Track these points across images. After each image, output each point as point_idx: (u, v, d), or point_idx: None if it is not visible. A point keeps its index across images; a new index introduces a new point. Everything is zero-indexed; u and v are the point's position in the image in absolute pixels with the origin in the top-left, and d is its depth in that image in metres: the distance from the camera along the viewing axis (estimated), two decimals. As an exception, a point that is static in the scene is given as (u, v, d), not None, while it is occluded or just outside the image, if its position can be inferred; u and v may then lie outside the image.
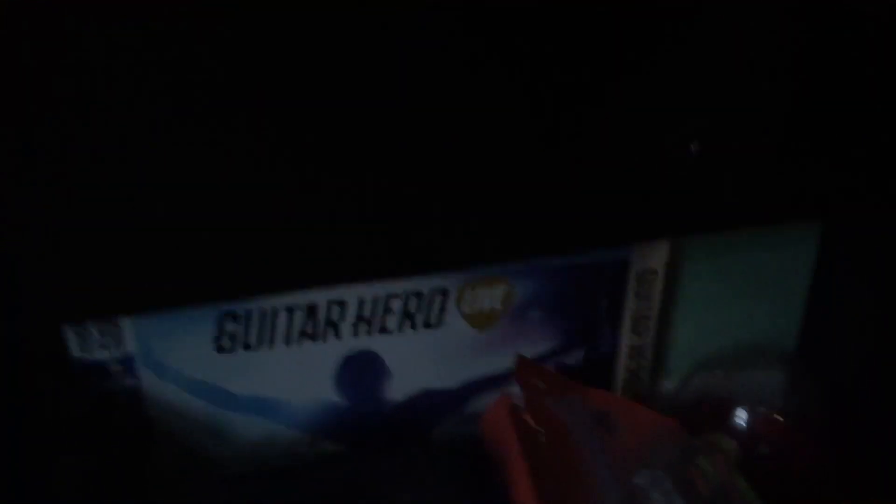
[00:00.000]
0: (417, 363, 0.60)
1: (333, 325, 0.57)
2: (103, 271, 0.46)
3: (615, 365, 0.65)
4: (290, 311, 0.56)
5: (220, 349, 0.55)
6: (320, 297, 0.56)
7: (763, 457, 0.60)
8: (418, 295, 0.58)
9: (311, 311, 0.56)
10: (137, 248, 0.46)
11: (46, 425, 0.54)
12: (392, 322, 0.58)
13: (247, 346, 0.56)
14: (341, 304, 0.57)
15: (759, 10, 0.48)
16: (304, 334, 0.57)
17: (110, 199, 0.44)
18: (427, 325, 0.59)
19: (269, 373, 0.57)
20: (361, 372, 0.59)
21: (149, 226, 0.45)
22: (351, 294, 0.56)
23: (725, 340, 0.66)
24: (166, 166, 0.44)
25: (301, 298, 0.55)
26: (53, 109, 0.41)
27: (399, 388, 0.60)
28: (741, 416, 0.62)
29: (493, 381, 0.62)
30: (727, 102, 0.50)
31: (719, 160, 0.51)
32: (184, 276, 0.48)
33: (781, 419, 0.61)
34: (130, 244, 0.46)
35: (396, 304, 0.58)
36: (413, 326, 0.59)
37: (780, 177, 0.55)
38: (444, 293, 0.58)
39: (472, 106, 0.48)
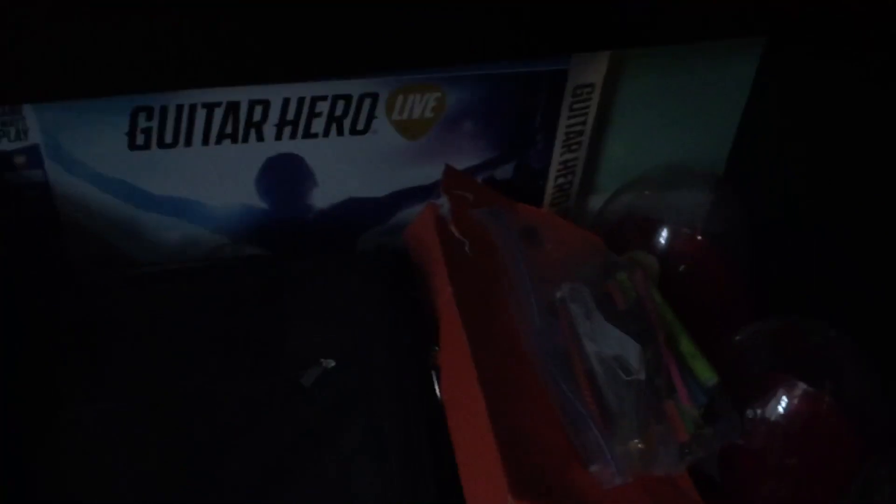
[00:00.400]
0: (344, 170, 0.58)
1: (256, 127, 0.55)
2: (2, 50, 0.42)
3: (545, 180, 0.65)
4: (209, 108, 0.53)
5: (134, 146, 0.52)
6: (242, 94, 0.53)
7: (681, 274, 0.62)
8: (346, 98, 0.55)
9: (232, 109, 0.53)
10: (41, 25, 0.42)
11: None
12: (318, 126, 0.56)
13: (162, 144, 0.53)
14: (264, 103, 0.54)
15: None
16: (224, 134, 0.54)
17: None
18: (355, 131, 0.57)
19: (187, 173, 0.55)
20: (285, 176, 0.57)
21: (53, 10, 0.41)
22: (275, 93, 0.53)
23: (656, 160, 0.66)
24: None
25: (221, 95, 0.52)
26: None
27: (324, 195, 0.59)
28: (663, 235, 0.63)
29: (420, 192, 0.61)
30: None
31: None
32: (92, 62, 0.44)
33: (701, 238, 0.62)
34: (34, 20, 0.41)
35: (323, 108, 0.55)
36: (340, 132, 0.56)
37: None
38: (374, 98, 0.56)
39: None
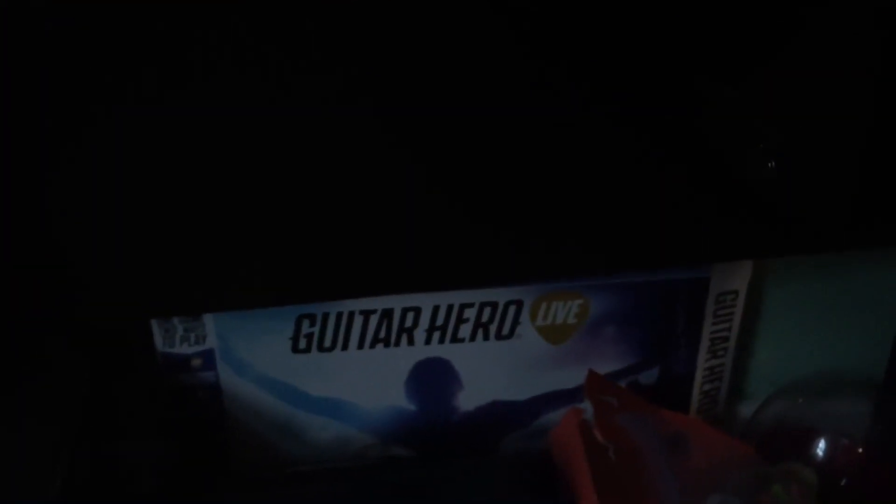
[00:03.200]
0: (489, 373, 0.60)
1: (407, 332, 0.58)
2: (190, 270, 0.48)
3: (691, 386, 0.64)
4: (365, 315, 0.57)
5: (297, 349, 0.57)
6: (396, 302, 0.57)
7: (843, 489, 0.58)
8: (492, 305, 0.58)
9: (386, 316, 0.57)
10: (222, 249, 0.48)
11: (129, 412, 0.57)
12: (465, 331, 0.59)
13: (322, 348, 0.57)
14: (416, 310, 0.57)
15: (839, 26, 0.47)
16: (378, 339, 0.58)
17: (198, 205, 0.46)
18: (500, 336, 0.59)
19: (342, 375, 0.58)
20: (432, 379, 0.60)
21: (234, 228, 0.47)
22: (425, 301, 0.57)
23: (808, 366, 0.65)
24: (250, 173, 0.46)
25: (377, 303, 0.56)
26: (145, 124, 0.43)
27: (470, 397, 0.61)
28: (821, 446, 0.60)
29: (564, 396, 0.61)
30: (812, 121, 0.49)
31: (803, 180, 0.50)
32: (265, 278, 0.50)
33: (863, 451, 0.59)
34: (216, 246, 0.48)
35: (470, 314, 0.58)
36: (486, 337, 0.59)
37: (869, 199, 0.53)
38: (519, 305, 0.58)
39: (555, 121, 0.48)
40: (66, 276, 0.46)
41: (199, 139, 0.45)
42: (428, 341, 0.58)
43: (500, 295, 0.58)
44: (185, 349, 0.55)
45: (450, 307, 0.58)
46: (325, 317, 0.56)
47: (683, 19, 0.46)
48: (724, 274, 0.61)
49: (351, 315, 0.56)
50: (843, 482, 0.59)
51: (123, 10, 0.41)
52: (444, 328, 0.58)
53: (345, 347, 0.57)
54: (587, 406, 0.57)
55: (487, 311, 0.58)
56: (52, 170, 0.44)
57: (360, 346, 0.58)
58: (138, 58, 0.42)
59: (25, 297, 0.47)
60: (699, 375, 0.64)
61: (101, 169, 0.45)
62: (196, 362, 0.56)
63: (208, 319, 0.55)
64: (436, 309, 0.57)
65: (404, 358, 0.59)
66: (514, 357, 0.60)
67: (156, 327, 0.54)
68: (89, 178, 0.45)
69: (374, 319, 0.57)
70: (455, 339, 0.59)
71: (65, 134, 0.43)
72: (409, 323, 0.58)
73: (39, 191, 0.45)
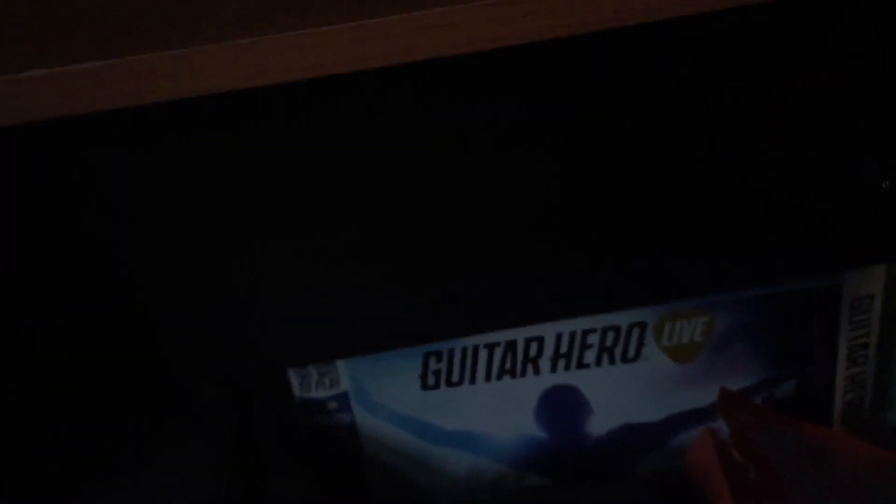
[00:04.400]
0: (618, 397, 0.60)
1: (532, 361, 0.59)
2: (322, 321, 0.51)
3: (832, 396, 0.62)
4: (490, 348, 0.58)
5: (426, 386, 0.58)
6: (519, 333, 0.57)
7: None
8: (616, 329, 0.58)
9: (511, 347, 0.58)
10: (351, 299, 0.50)
11: (272, 456, 0.60)
12: (590, 356, 0.59)
13: (450, 383, 0.58)
14: (539, 340, 0.58)
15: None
16: (504, 370, 0.59)
17: (327, 261, 0.49)
18: (625, 359, 0.59)
19: (472, 408, 0.59)
20: (561, 406, 0.60)
21: (359, 280, 0.49)
22: (548, 330, 0.58)
23: (958, 369, 0.61)
24: (373, 234, 0.48)
25: (500, 336, 0.57)
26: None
27: (600, 422, 0.61)
28: (979, 454, 0.56)
29: (697, 415, 0.60)
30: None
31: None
32: (392, 322, 0.52)
33: None
34: (345, 296, 0.50)
35: (594, 339, 0.58)
36: (612, 361, 0.59)
37: None
38: (643, 327, 0.58)
39: (679, 139, 0.48)
40: (214, 331, 0.50)
41: (331, 192, 0.47)
42: (553, 369, 0.59)
43: (623, 318, 0.58)
44: (320, 393, 0.58)
45: (573, 334, 0.58)
46: (451, 352, 0.57)
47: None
48: (858, 279, 0.58)
49: (476, 349, 0.58)
50: None
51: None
52: (568, 355, 0.59)
53: (472, 381, 0.59)
54: (722, 425, 0.56)
55: (611, 335, 0.58)
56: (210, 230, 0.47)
57: (488, 378, 0.59)
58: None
59: (182, 351, 0.51)
60: (839, 385, 0.62)
61: (251, 236, 0.48)
62: (332, 405, 0.58)
63: (340, 364, 0.57)
64: (559, 336, 0.58)
65: (532, 387, 0.59)
66: (641, 379, 0.60)
67: (292, 375, 0.57)
68: (241, 249, 0.48)
69: (498, 351, 0.58)
70: (581, 366, 0.59)
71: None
72: (533, 352, 0.58)
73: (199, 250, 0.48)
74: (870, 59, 0.46)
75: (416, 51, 0.30)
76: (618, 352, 0.59)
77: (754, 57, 0.46)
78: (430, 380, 0.58)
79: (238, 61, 0.30)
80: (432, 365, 0.58)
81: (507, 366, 0.58)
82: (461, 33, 0.31)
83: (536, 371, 0.59)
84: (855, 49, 0.46)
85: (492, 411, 0.60)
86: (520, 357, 0.58)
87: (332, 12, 0.31)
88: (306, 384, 0.57)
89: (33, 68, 0.28)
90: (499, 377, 0.59)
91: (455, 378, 0.58)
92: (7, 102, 0.28)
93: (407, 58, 0.30)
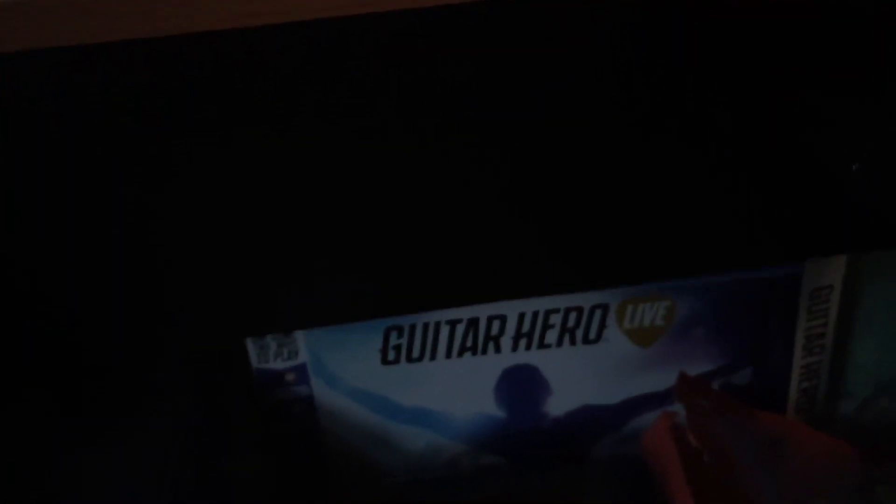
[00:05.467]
0: (577, 378, 0.60)
1: (494, 339, 0.58)
2: (281, 290, 0.50)
3: (787, 385, 0.62)
4: (452, 324, 0.57)
5: (386, 361, 0.58)
6: (481, 311, 0.57)
7: (954, 489, 0.56)
8: (578, 310, 0.58)
9: (473, 325, 0.57)
10: (311, 268, 0.49)
11: (230, 429, 0.59)
12: (552, 337, 0.58)
13: (410, 359, 0.58)
14: (502, 318, 0.58)
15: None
16: (465, 348, 0.58)
17: (286, 226, 0.48)
18: (587, 340, 0.59)
19: (431, 384, 0.59)
20: (521, 386, 0.60)
21: (320, 248, 0.48)
22: (511, 308, 0.57)
23: (911, 362, 0.62)
24: (333, 196, 0.47)
25: (462, 313, 0.57)
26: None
27: (559, 403, 0.61)
28: (929, 444, 0.58)
29: (655, 399, 0.61)
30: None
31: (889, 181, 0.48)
32: (352, 293, 0.51)
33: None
34: (305, 265, 0.49)
35: (556, 320, 0.58)
36: (573, 342, 0.59)
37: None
38: (605, 309, 0.58)
39: (638, 118, 0.48)
40: (168, 301, 0.48)
41: (288, 163, 0.46)
42: (515, 348, 0.59)
43: (586, 299, 0.58)
44: (278, 364, 0.57)
45: (535, 314, 0.58)
46: (413, 328, 0.57)
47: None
48: (818, 269, 0.59)
49: (437, 325, 0.57)
50: (954, 482, 0.56)
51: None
52: (530, 335, 0.58)
53: (433, 357, 0.58)
54: (679, 409, 0.57)
55: (573, 316, 0.58)
56: (152, 194, 0.46)
57: (448, 355, 0.58)
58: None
59: (133, 321, 0.49)
60: (795, 374, 0.62)
61: (199, 201, 0.46)
62: (290, 377, 0.57)
63: (299, 335, 0.56)
64: (521, 316, 0.58)
65: (492, 365, 0.59)
66: (602, 361, 0.60)
67: (250, 345, 0.56)
68: (188, 209, 0.47)
69: (460, 329, 0.57)
70: (542, 346, 0.59)
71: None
72: (495, 331, 0.58)
73: (144, 221, 0.47)
74: (835, 38, 0.46)
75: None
76: (579, 333, 0.59)
77: (716, 40, 0.46)
78: (391, 355, 0.58)
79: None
80: (393, 340, 0.57)
81: (469, 343, 0.58)
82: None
83: (497, 349, 0.58)
84: (818, 28, 0.46)
85: (451, 389, 0.59)
86: (481, 335, 0.58)
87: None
88: (264, 355, 0.56)
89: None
90: (460, 354, 0.58)
91: (416, 354, 0.58)
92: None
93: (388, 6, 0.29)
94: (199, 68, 0.41)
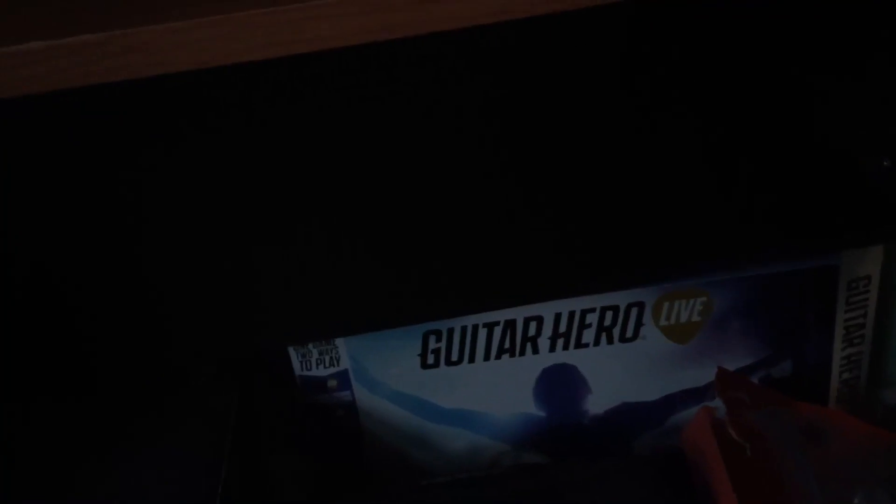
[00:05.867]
0: (616, 376, 0.60)
1: (531, 340, 0.59)
2: (322, 299, 0.51)
3: (828, 376, 0.62)
4: (489, 327, 0.58)
5: (425, 365, 0.59)
6: (518, 313, 0.58)
7: None
8: (614, 309, 0.58)
9: (510, 326, 0.58)
10: (351, 277, 0.50)
11: (273, 434, 0.60)
12: (589, 336, 0.59)
13: (449, 362, 0.59)
14: (538, 319, 0.58)
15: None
16: (503, 349, 0.59)
17: (325, 238, 0.49)
18: (624, 338, 0.59)
19: (471, 386, 0.60)
20: (559, 385, 0.60)
21: (360, 258, 0.50)
22: (547, 309, 0.58)
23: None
24: (371, 209, 0.48)
25: (499, 315, 0.58)
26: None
27: (598, 400, 0.61)
28: (973, 432, 0.57)
29: (694, 394, 0.61)
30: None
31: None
32: (392, 301, 0.52)
33: None
34: (345, 274, 0.50)
35: (592, 319, 0.58)
36: (610, 340, 0.59)
37: None
38: (641, 306, 0.58)
39: (669, 125, 0.48)
40: (214, 310, 0.50)
41: (332, 173, 0.47)
42: (552, 349, 0.59)
43: (621, 298, 0.58)
44: (321, 371, 0.58)
45: (571, 314, 0.58)
46: (451, 332, 0.58)
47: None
48: (855, 260, 0.59)
49: (475, 328, 0.58)
50: None
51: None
52: (567, 335, 0.59)
53: (471, 360, 0.59)
54: (719, 404, 0.57)
55: (609, 314, 0.58)
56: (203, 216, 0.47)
57: (487, 357, 0.59)
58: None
59: (181, 329, 0.51)
60: (836, 365, 0.62)
61: (242, 214, 0.48)
62: (332, 383, 0.59)
63: (341, 342, 0.57)
64: (558, 316, 0.58)
65: (530, 366, 0.60)
66: (640, 358, 0.60)
67: (293, 353, 0.57)
68: (233, 222, 0.48)
69: (497, 331, 0.58)
70: (579, 345, 0.59)
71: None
72: (532, 332, 0.59)
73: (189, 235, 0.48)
74: (866, 40, 0.46)
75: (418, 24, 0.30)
76: (616, 331, 0.59)
77: (747, 39, 0.46)
78: (430, 358, 0.59)
79: (240, 34, 0.30)
80: (432, 344, 0.58)
81: (506, 345, 0.59)
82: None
83: (535, 350, 0.59)
84: (851, 31, 0.46)
85: (490, 390, 0.60)
86: (519, 336, 0.59)
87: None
88: (307, 362, 0.58)
89: (34, 40, 0.28)
90: (498, 356, 0.59)
91: (454, 357, 0.59)
92: (7, 74, 0.28)
93: (411, 31, 0.30)
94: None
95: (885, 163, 0.45)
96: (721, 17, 0.45)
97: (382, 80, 0.43)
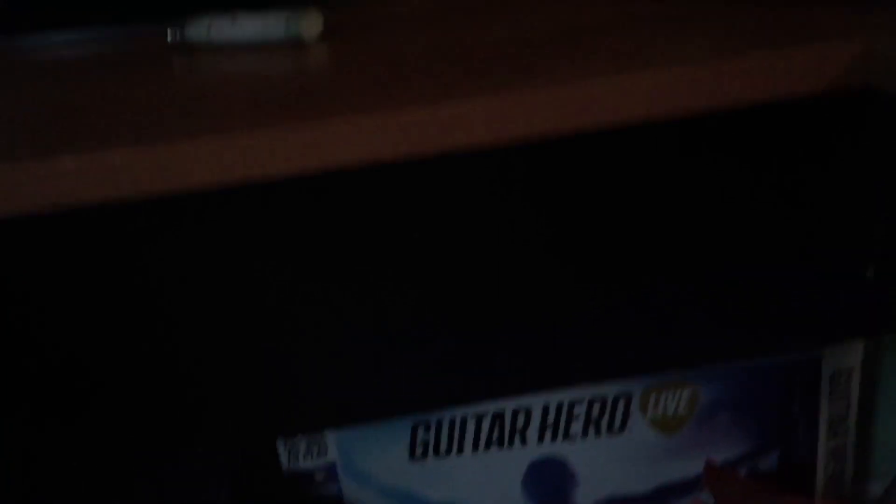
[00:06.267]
0: (604, 468, 0.60)
1: (520, 432, 0.59)
2: (310, 391, 0.51)
3: (814, 469, 0.62)
4: (477, 418, 0.58)
5: (414, 456, 0.58)
6: (506, 404, 0.58)
7: None
8: (602, 400, 0.59)
9: (498, 418, 0.58)
10: (339, 370, 0.51)
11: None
12: (577, 428, 0.59)
13: (438, 453, 0.59)
14: (526, 410, 0.58)
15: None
16: (491, 441, 0.59)
17: (314, 334, 0.49)
18: (612, 430, 0.59)
19: (459, 478, 0.59)
20: (548, 477, 0.60)
21: (349, 351, 0.50)
22: (536, 401, 0.58)
23: (936, 441, 0.62)
24: (361, 307, 0.49)
25: (487, 406, 0.58)
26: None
27: (587, 494, 0.61)
28: (960, 527, 0.57)
29: (683, 486, 0.61)
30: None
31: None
32: (380, 393, 0.52)
33: None
34: (334, 367, 0.50)
35: (580, 410, 0.59)
36: (598, 432, 0.59)
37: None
38: (628, 398, 0.59)
39: (665, 214, 0.50)
40: (205, 404, 0.50)
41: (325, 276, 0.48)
42: (541, 440, 0.59)
43: (609, 389, 0.58)
44: (308, 464, 0.58)
45: (559, 405, 0.58)
46: (439, 423, 0.58)
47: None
48: (837, 353, 0.60)
49: (464, 420, 0.58)
50: None
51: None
52: (555, 426, 0.59)
53: (460, 451, 0.59)
54: (708, 497, 0.57)
55: (597, 406, 0.59)
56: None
57: (475, 448, 0.59)
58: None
59: (174, 425, 0.50)
60: (821, 457, 0.62)
61: (238, 316, 0.48)
62: (320, 476, 0.58)
63: (329, 434, 0.57)
64: (546, 408, 0.58)
65: (519, 458, 0.60)
66: (628, 450, 0.60)
67: (281, 445, 0.57)
68: (230, 323, 0.48)
69: (486, 422, 0.58)
70: (567, 437, 0.59)
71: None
72: (520, 423, 0.59)
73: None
74: (856, 155, 0.48)
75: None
76: (604, 423, 0.59)
77: (746, 141, 0.48)
78: (418, 450, 0.58)
79: (267, 151, 0.31)
80: (420, 435, 0.58)
81: (495, 436, 0.59)
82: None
83: (524, 442, 0.59)
84: (842, 144, 0.48)
85: (479, 482, 0.60)
86: (507, 428, 0.59)
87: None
88: (294, 454, 0.57)
89: (64, 154, 0.29)
90: (486, 448, 0.59)
91: (443, 448, 0.58)
92: (37, 188, 0.29)
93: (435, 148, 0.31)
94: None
95: (868, 273, 0.46)
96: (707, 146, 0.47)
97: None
